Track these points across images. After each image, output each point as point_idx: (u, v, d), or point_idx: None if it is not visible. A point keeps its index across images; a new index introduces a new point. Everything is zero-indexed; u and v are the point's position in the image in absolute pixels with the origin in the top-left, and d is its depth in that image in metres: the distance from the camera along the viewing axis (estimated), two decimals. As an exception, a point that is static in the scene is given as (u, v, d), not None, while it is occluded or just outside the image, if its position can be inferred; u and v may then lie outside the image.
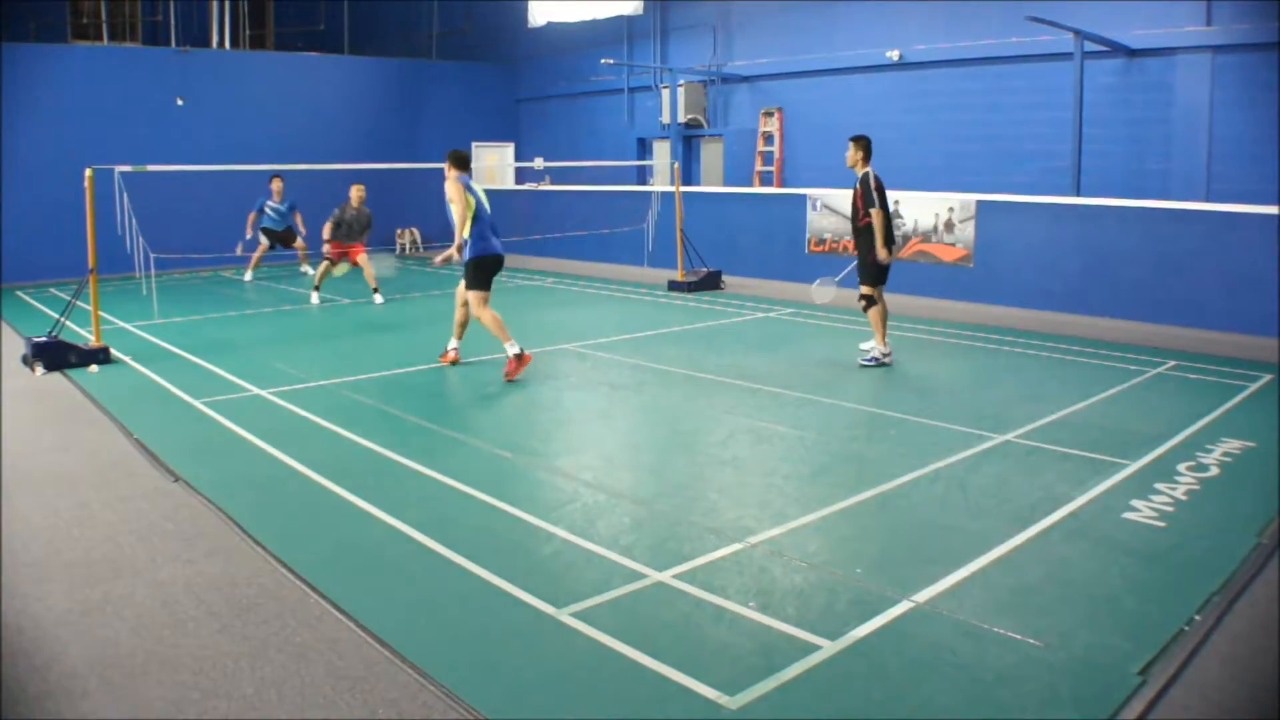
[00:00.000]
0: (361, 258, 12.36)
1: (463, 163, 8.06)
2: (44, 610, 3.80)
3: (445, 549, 4.34)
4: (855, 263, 8.37)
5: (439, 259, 8.32)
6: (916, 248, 12.50)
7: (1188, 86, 11.69)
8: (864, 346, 8.54)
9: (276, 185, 14.11)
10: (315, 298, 12.41)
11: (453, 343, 8.43)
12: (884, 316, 8.28)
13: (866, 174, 8.09)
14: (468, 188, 7.91)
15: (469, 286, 7.97)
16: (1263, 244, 9.46)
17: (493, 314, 7.89)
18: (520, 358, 7.77)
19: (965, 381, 7.93)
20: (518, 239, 17.25)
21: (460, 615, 3.74)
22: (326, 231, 12.21)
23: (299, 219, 14.34)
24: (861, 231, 8.18)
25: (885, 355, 8.23)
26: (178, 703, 3.14)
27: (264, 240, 14.29)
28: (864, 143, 8.20)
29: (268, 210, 14.14)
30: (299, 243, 14.46)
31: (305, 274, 14.94)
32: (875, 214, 7.99)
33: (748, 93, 17.06)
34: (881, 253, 8.06)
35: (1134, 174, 12.15)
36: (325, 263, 12.35)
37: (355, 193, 12.23)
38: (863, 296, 8.21)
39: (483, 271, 7.92)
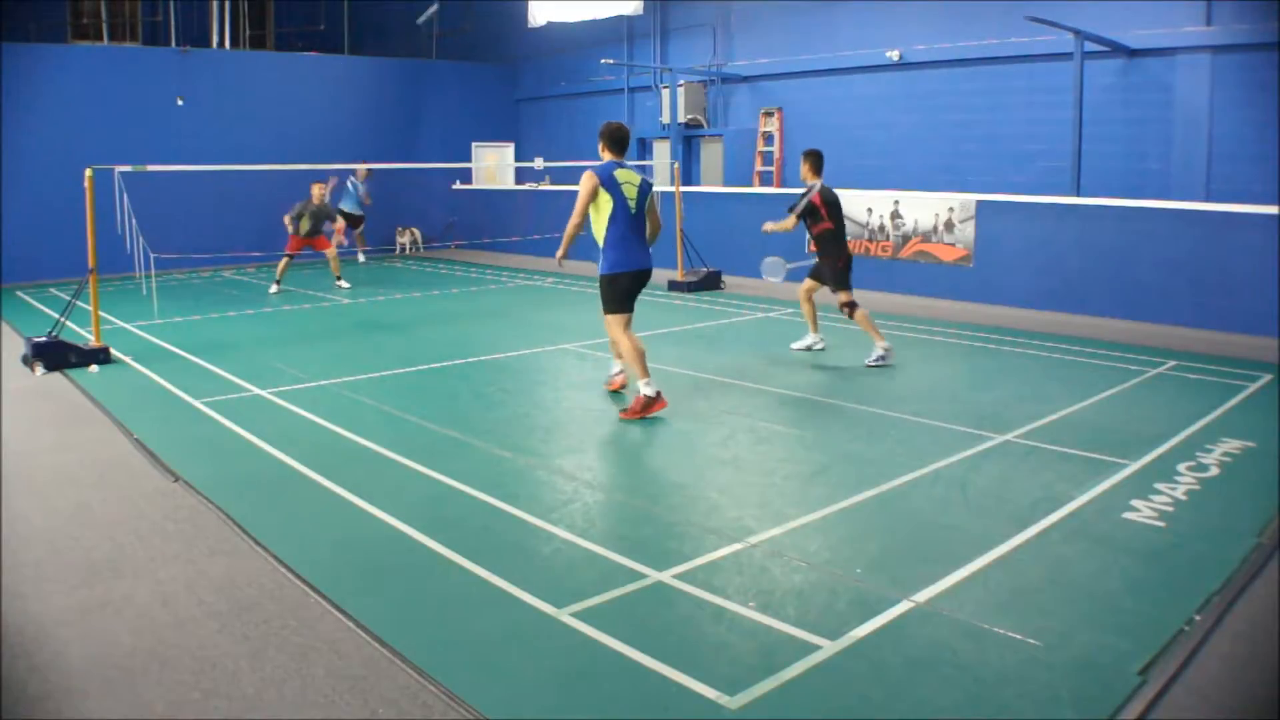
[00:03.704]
0: (329, 251, 13.59)
1: (614, 142, 6.54)
2: (44, 610, 3.81)
3: (445, 549, 4.34)
4: (815, 262, 8.61)
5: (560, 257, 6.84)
6: (916, 248, 12.50)
7: (1188, 86, 11.68)
8: (796, 347, 8.81)
9: (317, 190, 14.39)
10: (275, 288, 13.36)
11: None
12: (813, 312, 8.72)
13: (812, 186, 8.42)
14: (606, 183, 6.42)
15: (604, 309, 6.68)
16: (1263, 244, 9.45)
17: (633, 341, 6.59)
18: (654, 401, 6.57)
19: (965, 381, 7.93)
20: (518, 239, 17.30)
21: (460, 615, 3.75)
22: (289, 225, 13.19)
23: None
24: (820, 239, 8.37)
25: (888, 351, 8.14)
26: (178, 703, 3.14)
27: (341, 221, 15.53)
28: (813, 156, 8.67)
29: (349, 186, 16.09)
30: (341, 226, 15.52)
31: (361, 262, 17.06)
32: (790, 220, 8.38)
33: (748, 93, 17.05)
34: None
35: (1134, 174, 12.14)
36: (286, 258, 13.44)
37: (317, 190, 13.30)
38: (843, 304, 8.24)
39: (618, 290, 6.60)
